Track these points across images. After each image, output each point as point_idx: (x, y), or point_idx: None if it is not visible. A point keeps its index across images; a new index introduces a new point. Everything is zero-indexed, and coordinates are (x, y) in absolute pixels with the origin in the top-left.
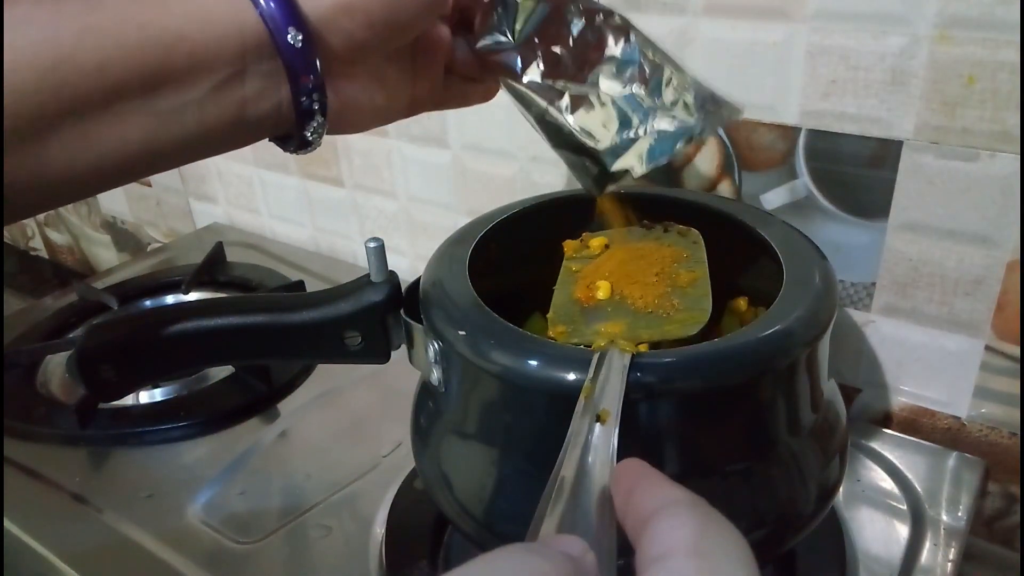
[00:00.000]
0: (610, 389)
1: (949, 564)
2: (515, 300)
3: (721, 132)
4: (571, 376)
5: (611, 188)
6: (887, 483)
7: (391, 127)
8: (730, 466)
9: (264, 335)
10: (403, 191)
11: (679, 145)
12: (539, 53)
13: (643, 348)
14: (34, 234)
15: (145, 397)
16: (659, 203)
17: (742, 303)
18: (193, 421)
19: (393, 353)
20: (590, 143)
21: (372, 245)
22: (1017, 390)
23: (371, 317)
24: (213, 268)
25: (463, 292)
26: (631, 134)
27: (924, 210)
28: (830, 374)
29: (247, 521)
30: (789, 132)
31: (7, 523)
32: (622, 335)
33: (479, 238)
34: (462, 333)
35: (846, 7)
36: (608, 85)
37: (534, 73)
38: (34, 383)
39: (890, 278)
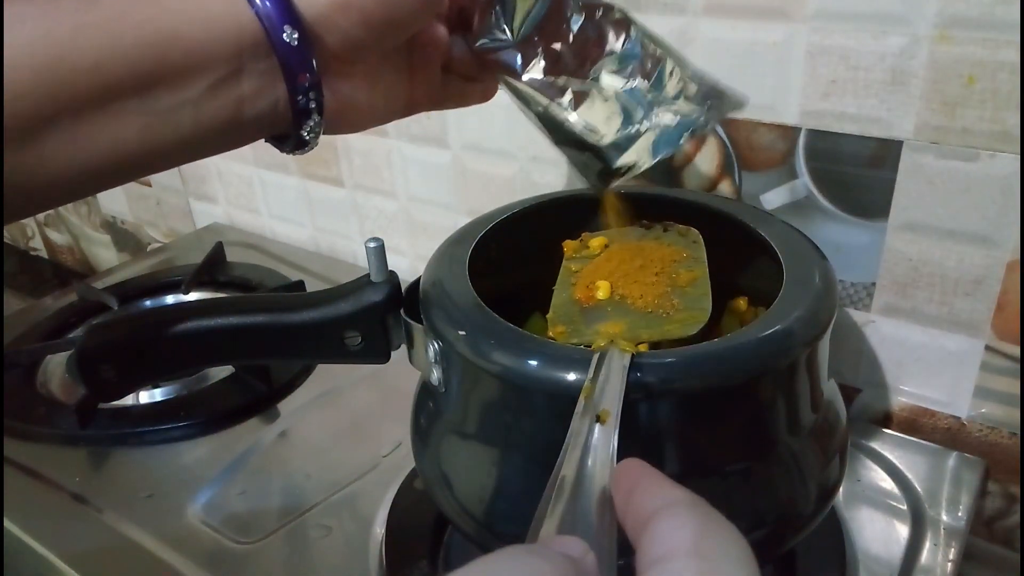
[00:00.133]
0: (610, 389)
1: (949, 564)
2: (515, 300)
3: (721, 132)
4: (571, 376)
5: (615, 184)
6: (887, 483)
7: (391, 127)
8: (730, 466)
9: (264, 335)
10: (403, 191)
11: (683, 138)
12: (539, 50)
13: (643, 348)
14: (34, 234)
15: (145, 397)
16: (659, 203)
17: (742, 303)
18: (193, 421)
19: (393, 353)
20: (593, 139)
21: (372, 245)
22: (1017, 390)
23: (371, 317)
24: (213, 268)
25: (463, 292)
26: (634, 129)
27: (924, 210)
28: (830, 374)
29: (247, 521)
30: (789, 132)
31: (7, 523)
32: (622, 335)
33: (479, 238)
34: (462, 333)
35: (846, 7)
36: (610, 80)
37: (535, 71)
38: (34, 383)
39: (890, 278)
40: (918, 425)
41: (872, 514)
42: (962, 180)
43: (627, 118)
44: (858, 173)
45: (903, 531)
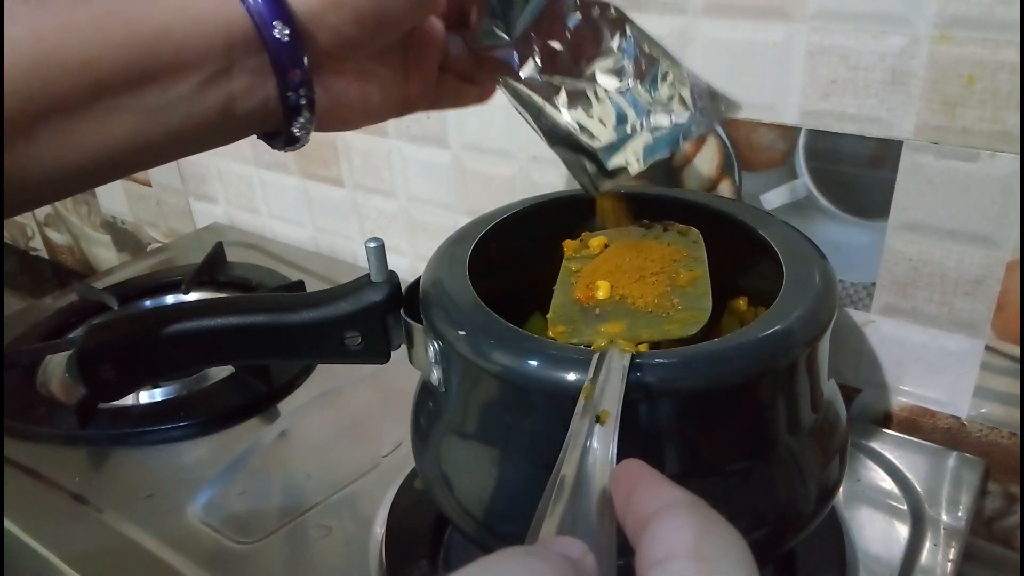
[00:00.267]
0: (610, 389)
1: (949, 564)
2: (515, 300)
3: (721, 132)
4: (571, 376)
5: (609, 186)
6: (887, 483)
7: (391, 127)
8: (730, 466)
9: (264, 335)
10: (403, 191)
11: (676, 141)
12: (536, 48)
13: (643, 348)
14: (34, 234)
15: (145, 397)
16: (659, 203)
17: (742, 303)
18: (193, 421)
19: (393, 353)
20: (587, 140)
21: (372, 245)
22: (1017, 390)
23: (371, 317)
24: (213, 268)
25: (463, 292)
26: (628, 131)
27: (924, 210)
28: (830, 374)
29: (247, 521)
30: (789, 132)
31: (7, 523)
32: (622, 335)
33: (479, 238)
34: (462, 333)
35: (846, 7)
36: (605, 80)
37: (531, 69)
38: (34, 383)
39: (890, 278)
40: (918, 425)
41: (872, 514)
42: (962, 180)
43: (621, 120)
44: (858, 173)
45: (903, 531)
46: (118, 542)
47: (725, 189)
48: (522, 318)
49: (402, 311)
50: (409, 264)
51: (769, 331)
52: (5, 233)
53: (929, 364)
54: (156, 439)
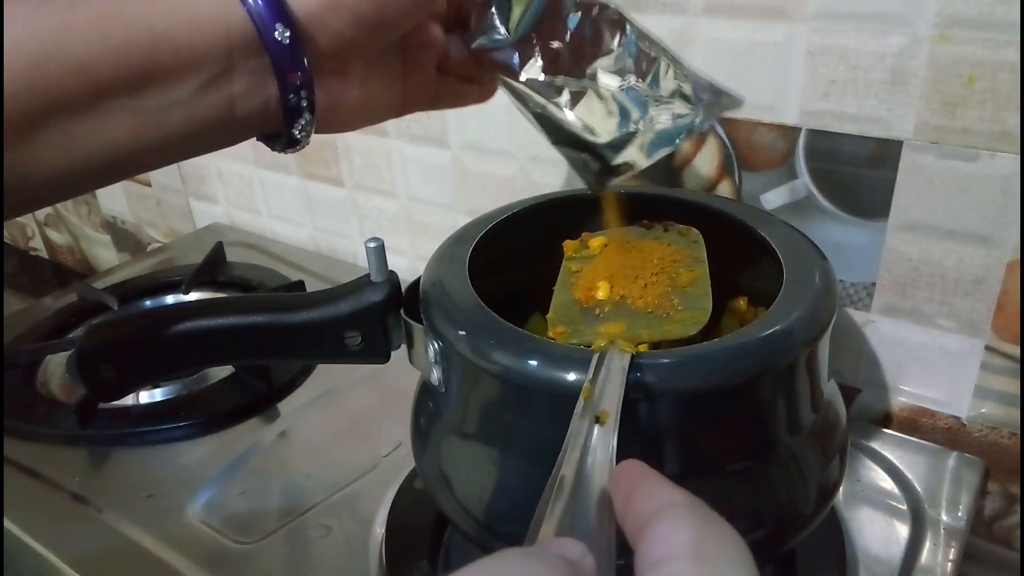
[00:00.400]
0: (610, 390)
1: (949, 564)
2: (515, 300)
3: (721, 132)
4: (571, 376)
5: (613, 183)
6: (887, 483)
7: (391, 127)
8: (730, 466)
9: (264, 335)
10: (403, 191)
11: (680, 137)
12: (536, 49)
13: (643, 348)
14: (34, 234)
15: (145, 397)
16: (659, 203)
17: (742, 303)
18: (193, 421)
19: (393, 353)
20: (590, 138)
21: (372, 245)
22: (1017, 390)
23: (371, 317)
24: (213, 268)
25: (463, 292)
26: (631, 128)
27: (924, 210)
28: (830, 374)
29: (247, 521)
30: (789, 132)
31: (7, 523)
32: (622, 335)
33: (479, 238)
34: (462, 333)
35: (846, 7)
36: (606, 79)
37: (532, 70)
38: (34, 383)
39: (890, 278)
40: (918, 425)
41: (872, 514)
42: (962, 180)
43: (624, 117)
44: (858, 173)
45: (903, 531)
46: (118, 542)
47: (725, 189)
48: (522, 318)
49: (402, 311)
50: (409, 264)
51: (769, 331)
52: (5, 233)
53: (929, 364)
54: (156, 439)
